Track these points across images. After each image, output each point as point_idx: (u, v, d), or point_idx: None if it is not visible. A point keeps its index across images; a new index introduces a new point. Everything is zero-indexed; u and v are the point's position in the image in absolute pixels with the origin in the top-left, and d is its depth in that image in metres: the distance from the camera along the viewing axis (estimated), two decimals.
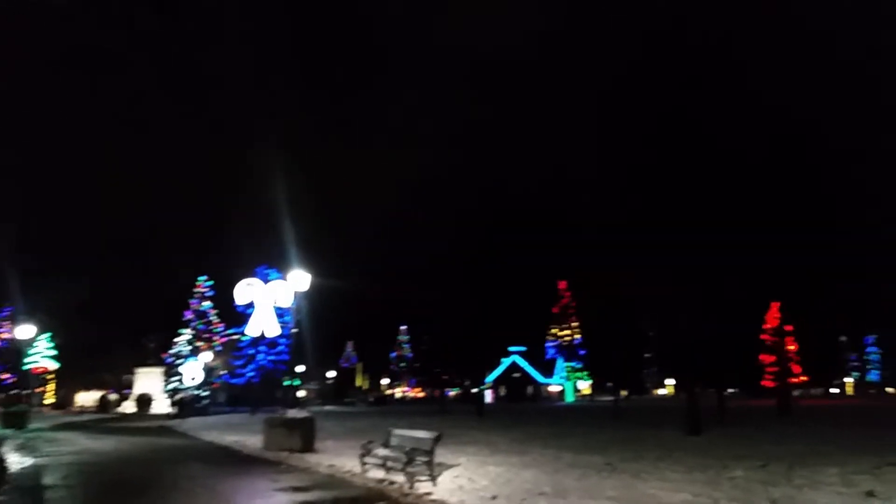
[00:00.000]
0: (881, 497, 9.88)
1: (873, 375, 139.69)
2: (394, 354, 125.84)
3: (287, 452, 18.48)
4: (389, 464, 13.45)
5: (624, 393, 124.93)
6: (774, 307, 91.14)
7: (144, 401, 55.29)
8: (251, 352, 73.17)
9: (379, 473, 13.45)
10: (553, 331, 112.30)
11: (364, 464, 13.94)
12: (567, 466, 14.98)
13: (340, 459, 16.78)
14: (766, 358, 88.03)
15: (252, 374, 73.30)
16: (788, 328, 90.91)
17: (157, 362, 60.54)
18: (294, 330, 19.98)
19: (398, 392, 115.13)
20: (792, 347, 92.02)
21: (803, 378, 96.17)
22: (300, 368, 78.10)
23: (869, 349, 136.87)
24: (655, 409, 60.57)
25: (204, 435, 27.33)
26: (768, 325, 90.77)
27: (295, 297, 20.22)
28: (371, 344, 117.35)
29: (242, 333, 73.09)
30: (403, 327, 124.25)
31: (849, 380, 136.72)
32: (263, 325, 19.76)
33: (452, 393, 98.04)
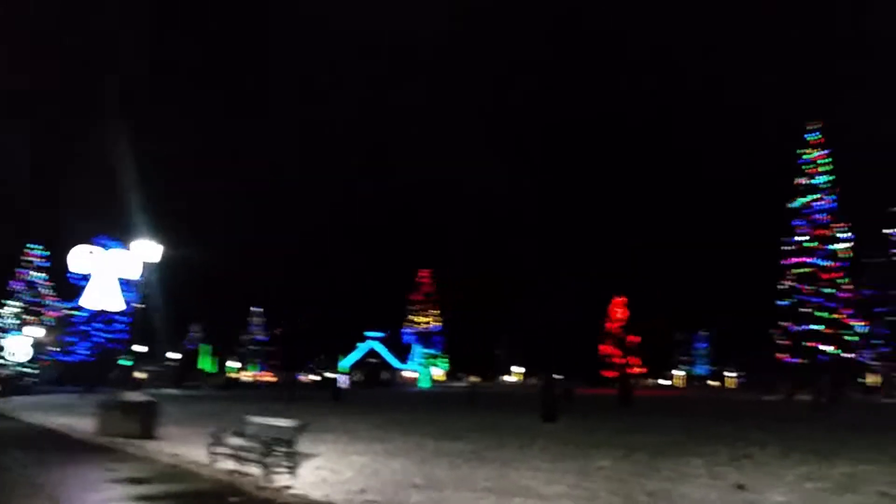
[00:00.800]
0: (752, 491, 9.98)
1: (701, 370, 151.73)
2: (243, 337, 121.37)
3: (123, 439, 16.64)
4: (243, 454, 12.22)
5: (474, 379, 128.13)
6: (618, 301, 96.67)
7: None
8: (86, 328, 67.81)
9: (230, 465, 12.20)
10: (412, 318, 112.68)
11: (213, 454, 12.60)
12: (433, 455, 14.39)
13: (185, 448, 15.26)
14: (609, 349, 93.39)
15: (86, 352, 67.94)
16: (620, 322, 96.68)
17: None
18: (140, 306, 17.96)
19: (247, 376, 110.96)
20: (632, 341, 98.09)
21: (641, 370, 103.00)
22: (140, 348, 73.22)
23: (698, 345, 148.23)
24: (506, 396, 61.98)
25: (26, 416, 24.50)
26: (613, 319, 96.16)
27: (143, 269, 18.24)
28: (220, 325, 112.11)
29: (78, 308, 67.47)
30: (257, 309, 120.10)
31: (679, 373, 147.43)
32: (103, 298, 17.55)
33: (305, 378, 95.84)
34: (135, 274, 18.15)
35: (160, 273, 21.39)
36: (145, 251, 17.82)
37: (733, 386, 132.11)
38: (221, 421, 23.74)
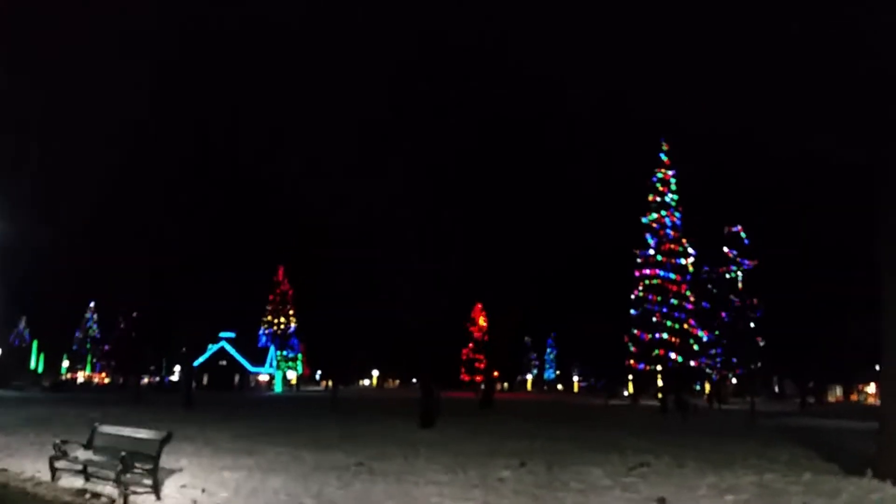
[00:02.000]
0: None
1: (549, 374, 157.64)
2: (78, 334, 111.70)
3: None
4: (93, 470, 10.35)
5: (326, 383, 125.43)
6: (478, 306, 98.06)
7: None
8: None
9: (78, 483, 10.29)
10: (268, 318, 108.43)
11: (56, 469, 10.59)
12: (314, 470, 13.01)
13: (17, 462, 12.90)
14: (469, 353, 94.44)
15: None
16: (483, 327, 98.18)
17: None
18: None
19: (80, 376, 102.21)
20: (490, 345, 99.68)
21: (494, 373, 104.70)
22: None
23: (548, 350, 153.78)
24: (367, 400, 60.83)
25: None
26: (476, 323, 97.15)
27: None
28: (51, 319, 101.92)
29: None
30: (91, 304, 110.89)
31: (529, 376, 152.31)
32: None
33: (146, 380, 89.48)
34: None
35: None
36: None
37: (577, 390, 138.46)
38: (56, 428, 20.97)
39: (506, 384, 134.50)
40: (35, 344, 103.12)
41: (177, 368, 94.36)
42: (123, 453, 9.27)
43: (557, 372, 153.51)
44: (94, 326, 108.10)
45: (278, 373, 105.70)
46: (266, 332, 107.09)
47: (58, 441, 10.71)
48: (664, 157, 66.66)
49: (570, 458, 15.15)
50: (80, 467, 10.56)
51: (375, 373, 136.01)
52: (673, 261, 63.18)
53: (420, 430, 22.19)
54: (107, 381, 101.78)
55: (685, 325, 60.53)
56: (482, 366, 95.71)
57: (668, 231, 64.38)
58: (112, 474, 9.85)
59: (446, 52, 26.97)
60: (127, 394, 64.69)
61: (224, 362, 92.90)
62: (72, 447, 10.75)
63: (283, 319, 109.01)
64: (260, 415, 32.82)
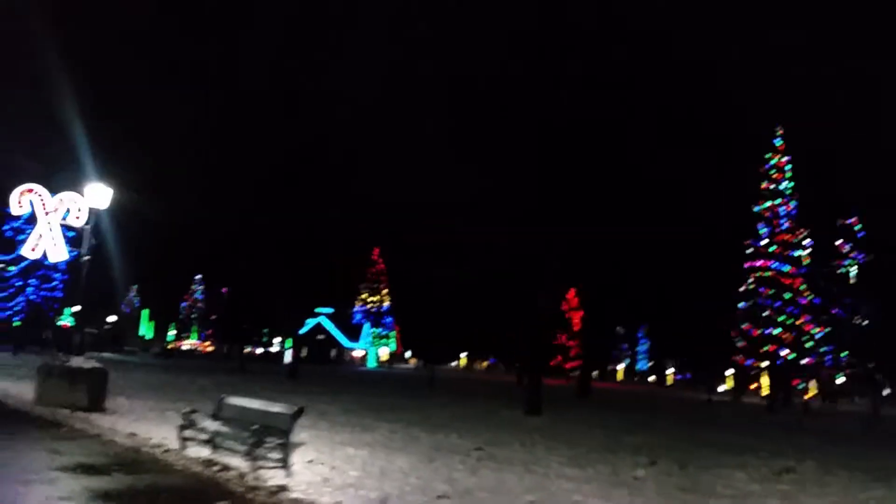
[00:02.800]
0: None
1: (642, 364, 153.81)
2: (185, 304, 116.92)
3: (68, 411, 14.36)
4: (221, 441, 10.25)
5: (414, 361, 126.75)
6: (572, 292, 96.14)
7: None
8: (19, 283, 63.62)
9: (203, 452, 10.20)
10: (363, 296, 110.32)
11: (184, 439, 10.54)
12: (434, 451, 12.59)
13: (143, 426, 13.10)
14: (564, 341, 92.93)
15: (17, 308, 63.82)
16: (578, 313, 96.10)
17: None
18: (86, 258, 15.59)
19: (186, 344, 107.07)
20: (581, 332, 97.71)
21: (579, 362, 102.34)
22: (77, 308, 69.22)
23: (640, 340, 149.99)
24: (461, 381, 60.72)
25: None
26: (572, 310, 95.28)
27: (90, 216, 15.85)
28: (160, 288, 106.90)
29: (9, 262, 63.20)
30: (198, 276, 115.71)
31: (620, 367, 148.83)
32: (46, 246, 15.11)
33: (248, 350, 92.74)
34: (81, 221, 15.78)
35: (109, 222, 18.95)
36: (95, 196, 15.47)
37: (671, 382, 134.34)
38: (172, 394, 21.59)
39: (595, 373, 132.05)
40: (145, 312, 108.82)
41: (276, 340, 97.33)
42: (256, 426, 9.04)
43: (650, 363, 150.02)
44: (200, 297, 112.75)
45: (372, 349, 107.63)
46: (361, 309, 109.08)
47: (186, 410, 10.66)
48: (778, 143, 62.85)
49: (700, 457, 14.15)
50: (207, 437, 10.47)
51: (463, 354, 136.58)
52: (787, 252, 59.56)
53: (526, 416, 21.57)
54: (209, 349, 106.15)
55: (798, 321, 57.11)
56: (573, 353, 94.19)
57: (783, 221, 60.70)
58: (240, 446, 9.70)
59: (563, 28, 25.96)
60: (231, 363, 67.24)
61: (322, 336, 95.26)
62: (200, 417, 10.68)
63: (377, 298, 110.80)
64: (362, 389, 33.07)
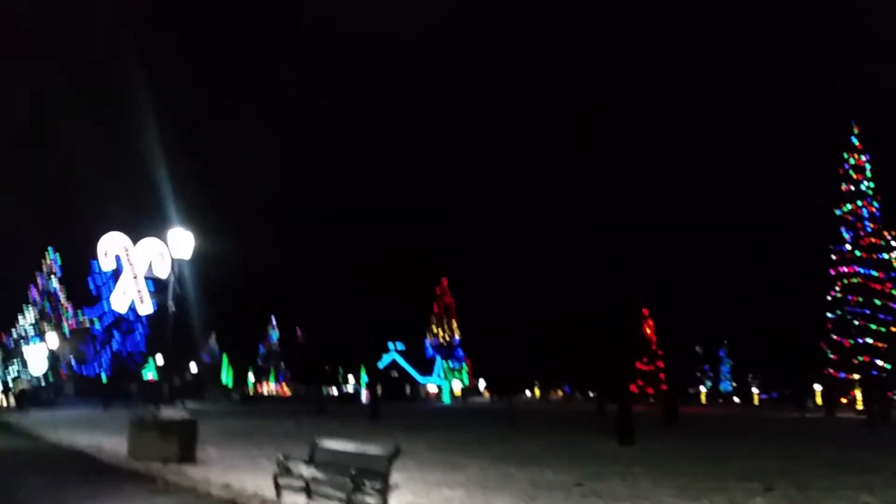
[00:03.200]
0: None
1: (725, 385, 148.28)
2: (262, 350, 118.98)
3: (161, 463, 14.41)
4: (316, 487, 9.99)
5: (488, 394, 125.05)
6: (645, 313, 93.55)
7: None
8: (104, 338, 65.97)
9: (300, 500, 9.95)
10: (434, 330, 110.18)
11: (280, 487, 10.33)
12: (532, 487, 12.06)
13: (236, 476, 12.98)
14: (641, 364, 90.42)
15: (105, 363, 66.04)
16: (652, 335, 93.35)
17: None
18: (172, 309, 15.77)
19: (265, 389, 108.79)
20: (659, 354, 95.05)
21: (662, 386, 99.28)
22: (159, 360, 71.24)
23: (722, 360, 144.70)
24: (540, 412, 59.45)
25: (50, 434, 22.21)
26: (646, 331, 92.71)
27: (174, 265, 16.07)
28: (236, 334, 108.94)
29: (95, 318, 65.61)
30: (272, 318, 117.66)
31: (702, 388, 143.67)
32: (133, 297, 15.35)
33: (327, 392, 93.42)
34: (164, 271, 16.00)
35: (193, 270, 19.20)
36: (178, 244, 15.68)
37: (757, 402, 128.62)
38: (260, 439, 21.62)
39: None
40: (225, 358, 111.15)
41: (350, 379, 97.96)
42: (354, 471, 8.72)
43: (734, 384, 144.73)
44: (275, 340, 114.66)
45: (445, 383, 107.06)
46: (432, 343, 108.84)
47: (281, 457, 10.45)
48: (856, 142, 60.20)
49: (817, 479, 13.15)
50: (302, 484, 10.24)
51: (535, 384, 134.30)
52: (874, 256, 56.63)
53: (620, 446, 20.67)
54: (287, 393, 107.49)
55: (893, 328, 53.99)
56: (651, 377, 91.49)
57: (867, 223, 57.83)
58: (337, 492, 9.41)
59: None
60: (310, 405, 67.75)
61: (395, 373, 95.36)
62: (295, 463, 10.46)
63: (446, 330, 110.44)
64: (443, 425, 32.61)
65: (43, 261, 63.91)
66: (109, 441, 19.04)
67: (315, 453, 10.58)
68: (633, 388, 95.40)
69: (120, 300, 15.35)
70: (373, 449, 9.69)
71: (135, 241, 15.89)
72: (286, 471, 10.20)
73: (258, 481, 12.19)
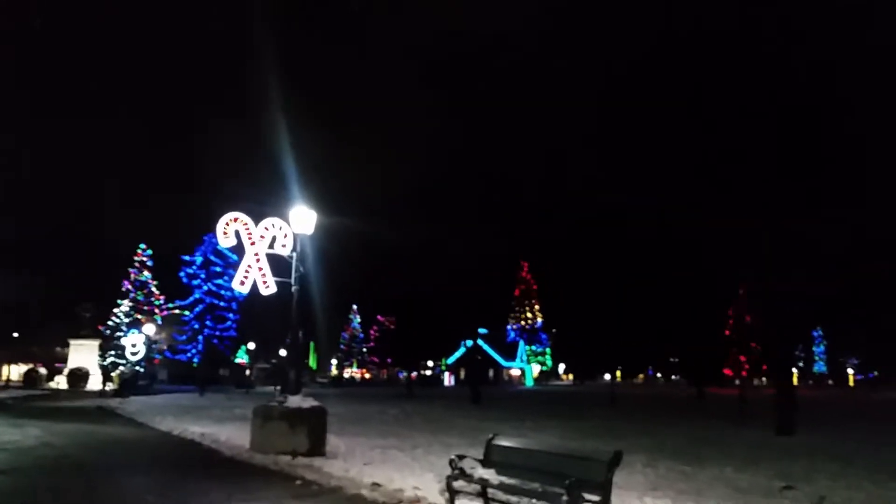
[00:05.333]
0: None
1: (819, 367, 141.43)
2: (345, 335, 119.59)
3: (289, 457, 13.05)
4: (498, 495, 8.33)
5: (568, 378, 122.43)
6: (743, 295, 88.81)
7: (79, 376, 48.47)
8: (196, 325, 66.64)
9: None
10: (517, 314, 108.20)
11: (454, 492, 8.68)
12: (735, 490, 10.11)
13: (379, 473, 11.42)
14: (740, 346, 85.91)
15: (195, 350, 66.78)
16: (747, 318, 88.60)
17: (94, 334, 53.51)
18: (294, 289, 14.38)
19: (355, 373, 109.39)
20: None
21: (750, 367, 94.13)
22: (251, 345, 71.79)
23: (816, 340, 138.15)
24: (637, 397, 57.00)
25: (157, 422, 21.39)
26: (735, 312, 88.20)
27: (296, 243, 14.68)
28: (320, 323, 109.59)
29: (186, 307, 66.53)
30: (354, 306, 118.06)
31: (794, 371, 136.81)
32: (255, 278, 14.04)
33: (405, 375, 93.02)
34: (287, 249, 14.65)
35: (317, 248, 17.86)
36: (300, 220, 14.30)
37: (852, 384, 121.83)
38: (375, 426, 20.25)
39: (764, 379, 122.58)
40: (311, 345, 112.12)
41: (429, 363, 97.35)
42: (569, 481, 6.94)
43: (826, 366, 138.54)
44: (357, 326, 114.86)
45: (528, 367, 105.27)
46: (514, 327, 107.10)
47: (454, 457, 8.78)
48: None
49: None
50: (478, 489, 8.61)
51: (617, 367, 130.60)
52: None
53: (779, 436, 18.41)
54: (367, 376, 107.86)
55: None
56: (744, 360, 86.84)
57: None
58: (528, 501, 7.75)
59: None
60: (395, 388, 67.18)
61: (479, 357, 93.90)
62: (470, 463, 8.79)
63: (529, 314, 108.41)
64: (550, 412, 30.74)
65: (135, 256, 65.01)
66: (223, 430, 17.98)
67: (492, 452, 8.86)
68: (728, 371, 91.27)
69: (241, 280, 14.01)
70: (583, 450, 7.90)
71: (257, 220, 14.56)
72: (462, 473, 8.53)
73: (408, 479, 10.65)
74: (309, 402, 14.20)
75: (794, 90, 20.34)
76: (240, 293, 61.95)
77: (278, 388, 64.36)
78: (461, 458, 8.75)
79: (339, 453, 14.02)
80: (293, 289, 14.51)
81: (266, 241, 14.56)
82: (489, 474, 8.39)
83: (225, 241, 14.23)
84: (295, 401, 14.06)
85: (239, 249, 14.47)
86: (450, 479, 8.61)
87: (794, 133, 20.83)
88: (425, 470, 11.70)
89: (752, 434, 19.17)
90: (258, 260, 14.41)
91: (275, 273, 14.61)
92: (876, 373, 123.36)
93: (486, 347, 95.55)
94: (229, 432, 17.47)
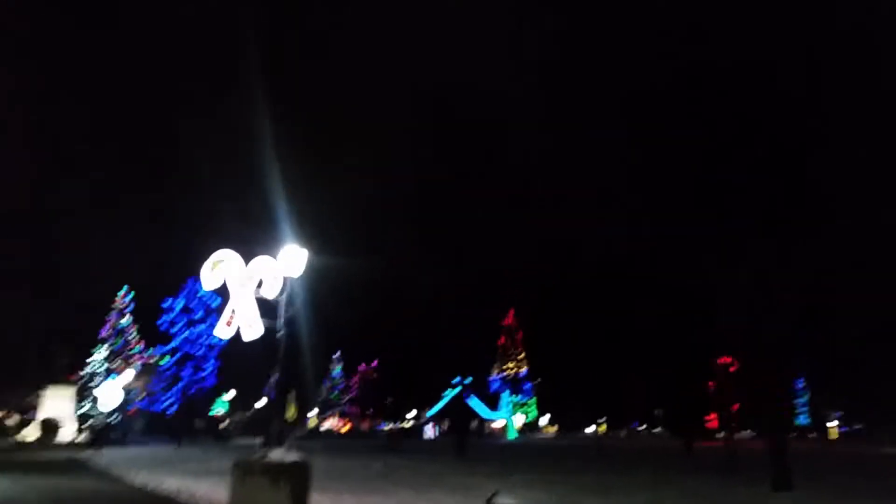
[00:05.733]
0: None
1: (802, 420, 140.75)
2: (326, 384, 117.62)
3: None
4: None
5: (550, 430, 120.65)
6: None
7: (51, 427, 46.61)
8: (174, 373, 65.16)
9: None
10: (507, 365, 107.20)
11: None
12: None
13: None
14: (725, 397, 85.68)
15: (173, 399, 65.16)
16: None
17: (69, 381, 51.86)
18: (281, 333, 13.86)
19: (334, 426, 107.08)
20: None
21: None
22: (229, 395, 70.34)
23: (798, 391, 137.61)
24: (623, 450, 55.99)
25: (132, 476, 20.42)
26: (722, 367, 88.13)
27: (285, 285, 14.22)
28: (297, 369, 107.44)
29: (164, 354, 65.11)
30: (336, 355, 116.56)
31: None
32: (241, 323, 13.48)
33: (387, 427, 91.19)
34: (274, 292, 14.15)
35: (307, 289, 17.28)
36: (290, 261, 13.84)
37: (835, 436, 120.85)
38: (362, 482, 19.30)
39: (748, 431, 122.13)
40: (292, 395, 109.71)
41: (409, 416, 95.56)
42: None
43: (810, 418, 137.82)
44: (338, 375, 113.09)
45: (510, 419, 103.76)
46: (498, 377, 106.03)
47: None
48: None
49: None
50: None
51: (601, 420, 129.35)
52: None
53: (776, 492, 17.85)
54: (345, 429, 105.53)
55: None
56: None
57: None
58: None
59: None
60: (374, 440, 65.59)
61: (463, 409, 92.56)
62: None
63: (512, 364, 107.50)
64: (539, 465, 29.98)
65: (114, 302, 63.79)
66: (199, 485, 17.15)
67: None
68: (714, 424, 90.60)
69: (227, 323, 13.48)
70: None
71: (247, 259, 14.08)
72: None
73: None
74: (292, 456, 13.50)
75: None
76: (219, 339, 60.92)
77: (258, 439, 62.93)
78: None
79: None
80: (279, 333, 13.97)
81: (254, 283, 14.07)
82: None
83: (210, 282, 13.73)
84: (277, 454, 13.37)
85: (224, 291, 13.96)
86: None
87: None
88: None
89: (747, 491, 18.60)
90: (246, 303, 13.89)
91: (261, 315, 14.10)
92: (860, 426, 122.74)
93: (471, 399, 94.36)
94: (206, 487, 16.67)
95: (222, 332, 13.78)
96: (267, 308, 14.09)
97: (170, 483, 17.84)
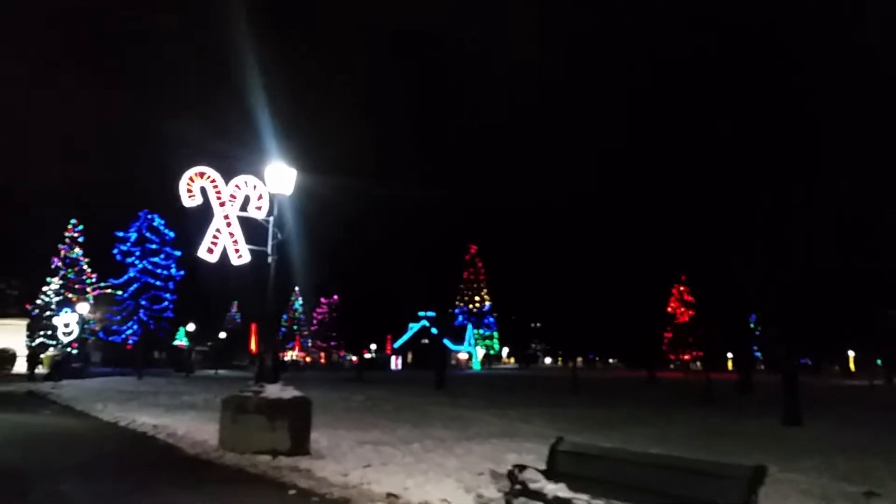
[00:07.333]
0: None
1: (756, 354, 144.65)
2: (286, 316, 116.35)
3: (269, 457, 11.03)
4: None
5: (509, 361, 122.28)
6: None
7: (6, 357, 44.58)
8: (131, 305, 62.70)
9: None
10: (465, 298, 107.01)
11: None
12: (808, 496, 8.65)
13: (389, 478, 9.50)
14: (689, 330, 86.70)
15: (131, 331, 62.94)
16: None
17: (21, 313, 49.44)
18: (271, 258, 12.22)
19: (298, 356, 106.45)
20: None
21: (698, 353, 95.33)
22: (190, 327, 68.32)
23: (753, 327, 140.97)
24: (594, 381, 56.37)
25: (99, 411, 18.83)
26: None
27: (272, 204, 12.56)
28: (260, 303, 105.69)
29: (119, 286, 62.57)
30: (296, 288, 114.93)
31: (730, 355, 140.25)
32: (226, 245, 11.85)
33: (350, 359, 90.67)
34: (262, 212, 12.53)
35: (297, 210, 15.60)
36: (278, 179, 12.18)
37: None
38: (352, 415, 18.11)
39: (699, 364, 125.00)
40: (253, 327, 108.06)
41: (372, 347, 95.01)
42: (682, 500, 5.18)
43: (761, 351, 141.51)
44: (299, 307, 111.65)
45: (475, 350, 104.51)
46: (463, 310, 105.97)
47: (513, 468, 6.96)
48: None
49: None
50: None
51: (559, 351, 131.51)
52: None
53: (788, 427, 17.26)
54: (308, 359, 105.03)
55: None
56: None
57: None
58: None
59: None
60: (341, 372, 65.07)
61: (426, 340, 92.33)
62: (530, 474, 6.97)
63: (477, 298, 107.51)
64: (520, 398, 29.37)
65: (66, 232, 60.66)
66: (179, 423, 15.73)
67: (558, 461, 7.05)
68: (686, 356, 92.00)
69: (209, 248, 11.78)
70: (698, 463, 6.14)
71: (228, 178, 12.33)
72: (523, 489, 6.70)
73: (425, 487, 8.82)
74: (289, 392, 12.12)
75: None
76: (177, 272, 58.45)
77: (218, 371, 61.50)
78: (521, 468, 6.91)
79: (324, 451, 12.05)
80: (269, 259, 12.39)
81: (238, 202, 12.39)
82: (562, 490, 6.58)
83: (189, 200, 11.96)
84: (273, 390, 11.97)
85: (205, 211, 12.23)
86: (509, 496, 6.77)
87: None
88: (440, 474, 9.84)
89: (756, 424, 18.02)
90: (229, 224, 12.22)
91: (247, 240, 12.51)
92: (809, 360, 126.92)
93: (433, 330, 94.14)
94: (187, 425, 15.26)
95: (206, 255, 12.08)
96: (257, 230, 12.49)
97: (144, 419, 16.34)
